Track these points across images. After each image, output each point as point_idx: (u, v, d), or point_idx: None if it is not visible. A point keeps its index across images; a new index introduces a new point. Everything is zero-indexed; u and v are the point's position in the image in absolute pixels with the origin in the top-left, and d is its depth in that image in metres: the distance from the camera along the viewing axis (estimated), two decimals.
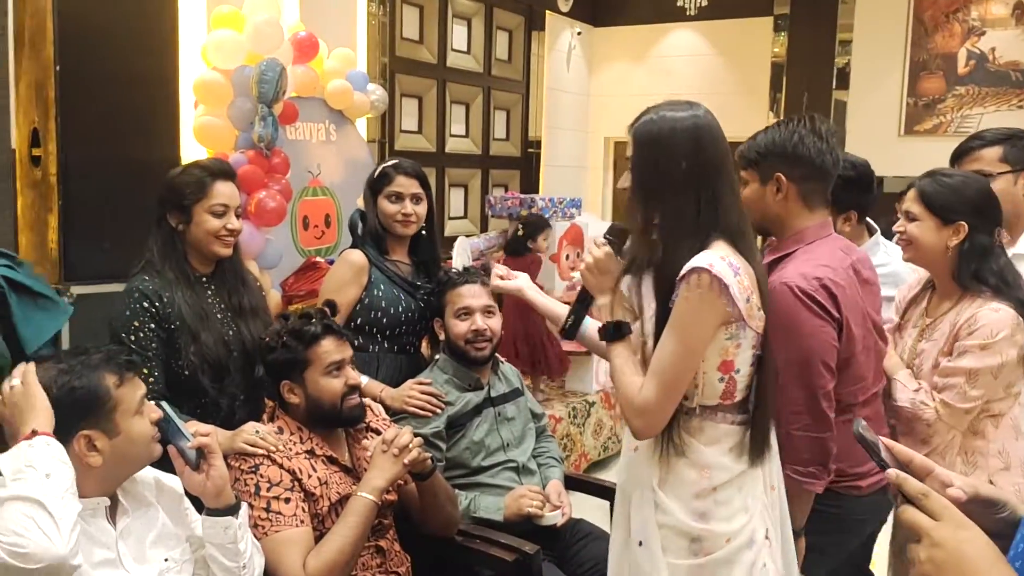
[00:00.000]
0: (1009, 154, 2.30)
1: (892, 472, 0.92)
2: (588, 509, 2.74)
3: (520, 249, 5.16)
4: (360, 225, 2.58)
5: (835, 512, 1.96)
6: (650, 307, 1.69)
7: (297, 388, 2.01)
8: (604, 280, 1.75)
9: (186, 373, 2.07)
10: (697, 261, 1.59)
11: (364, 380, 2.21)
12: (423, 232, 2.57)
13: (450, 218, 6.52)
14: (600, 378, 4.76)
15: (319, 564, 1.81)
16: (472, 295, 2.41)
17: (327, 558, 1.81)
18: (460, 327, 2.41)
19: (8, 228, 3.25)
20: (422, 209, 2.51)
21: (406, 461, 1.93)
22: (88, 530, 1.46)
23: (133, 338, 2.03)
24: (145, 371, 2.02)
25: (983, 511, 0.94)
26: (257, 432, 1.90)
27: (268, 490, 1.86)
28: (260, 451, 1.88)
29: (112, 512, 1.52)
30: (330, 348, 2.01)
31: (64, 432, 1.45)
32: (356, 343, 2.29)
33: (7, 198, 3.24)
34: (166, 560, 1.55)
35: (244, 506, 1.61)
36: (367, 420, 2.15)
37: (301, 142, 4.07)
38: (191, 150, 3.71)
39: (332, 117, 4.25)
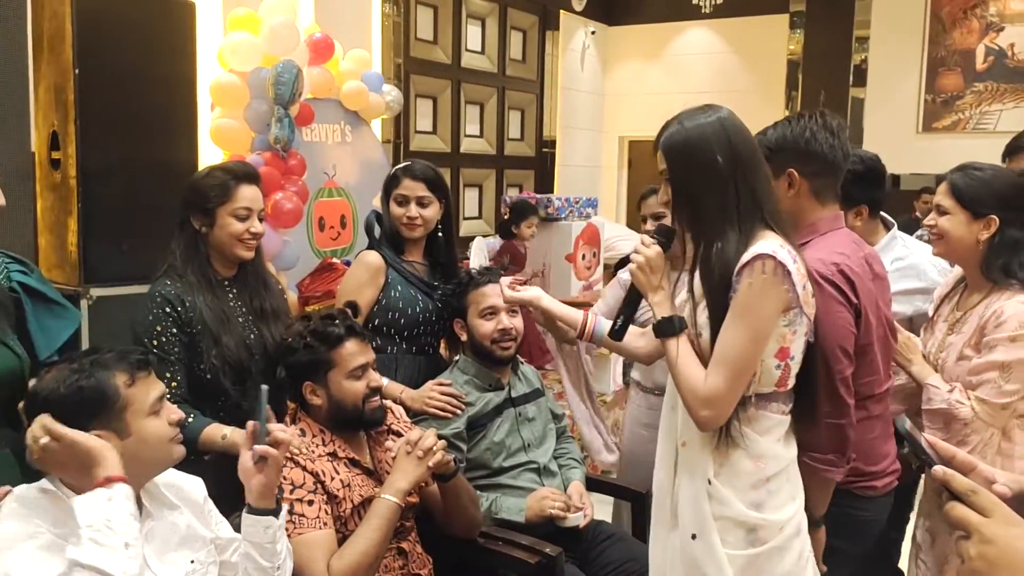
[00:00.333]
0: None
1: (939, 468, 0.92)
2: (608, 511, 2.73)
3: (505, 233, 5.18)
4: (376, 226, 2.57)
5: (855, 514, 1.96)
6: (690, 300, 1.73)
7: (320, 390, 2.01)
8: (654, 278, 1.76)
9: (208, 376, 2.07)
10: (759, 248, 1.62)
11: (384, 382, 2.21)
12: (439, 233, 2.56)
13: (465, 218, 6.52)
14: (617, 378, 4.75)
15: (343, 566, 1.80)
16: (497, 294, 2.40)
17: (350, 560, 1.81)
18: (486, 327, 2.39)
19: (28, 230, 3.27)
20: (429, 212, 2.50)
21: (431, 464, 1.92)
22: None
23: (156, 342, 2.03)
24: (168, 375, 2.02)
25: None
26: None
27: (291, 492, 1.85)
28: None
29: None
30: (354, 350, 2.01)
31: None
32: (375, 344, 2.29)
33: (27, 201, 3.26)
34: (192, 562, 1.54)
35: (284, 508, 1.60)
36: (388, 423, 2.15)
37: (317, 143, 4.08)
38: (208, 152, 3.72)
39: (347, 118, 4.26)
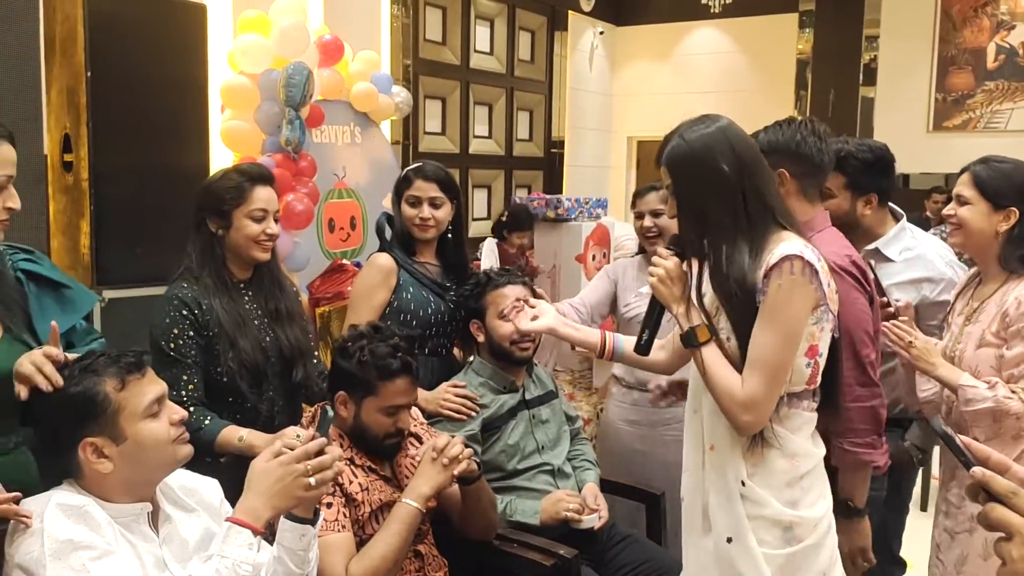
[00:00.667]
0: None
1: (978, 470, 0.91)
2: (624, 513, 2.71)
3: (498, 234, 5.21)
4: (387, 228, 2.57)
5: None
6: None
7: (351, 406, 1.99)
8: (676, 289, 1.76)
9: (224, 379, 2.07)
10: (786, 250, 1.63)
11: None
12: (450, 234, 2.56)
13: (474, 219, 6.52)
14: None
15: (362, 570, 1.80)
16: (517, 296, 2.39)
17: (370, 565, 1.80)
18: (506, 328, 2.38)
19: (41, 233, 3.28)
20: (441, 214, 2.49)
21: (455, 472, 1.91)
22: (136, 534, 1.46)
23: (172, 345, 2.03)
24: (184, 377, 2.02)
25: None
26: (298, 436, 1.88)
27: None
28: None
29: (154, 518, 1.52)
30: (400, 389, 1.97)
31: (67, 440, 1.44)
32: None
33: (40, 203, 3.27)
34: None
35: (321, 516, 1.59)
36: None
37: (327, 145, 4.08)
38: (218, 154, 3.72)
39: (357, 119, 4.26)
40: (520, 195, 6.30)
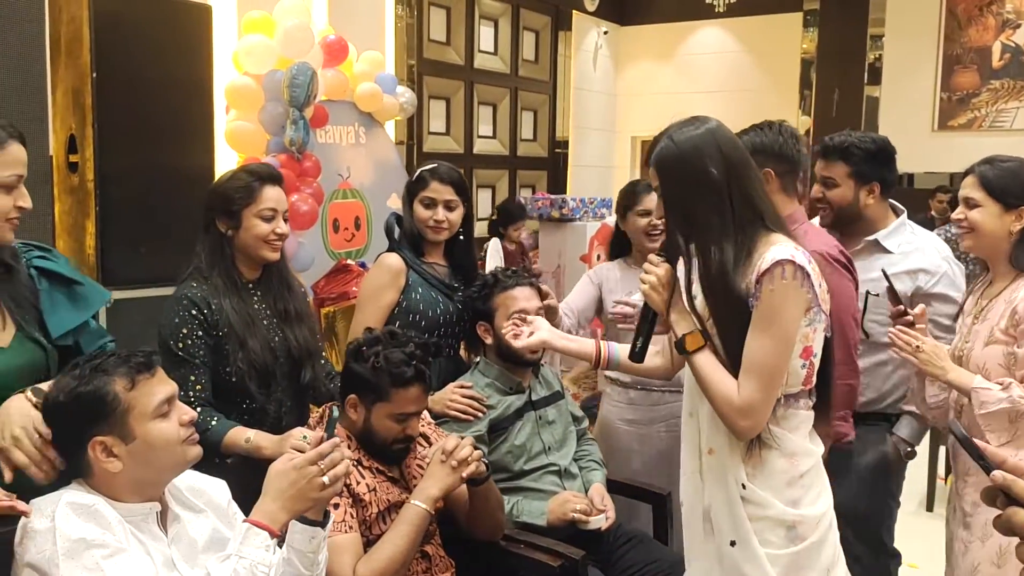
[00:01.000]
0: None
1: (998, 474, 0.91)
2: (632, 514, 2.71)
3: (494, 233, 5.25)
4: (396, 228, 2.56)
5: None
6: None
7: (361, 409, 1.98)
8: (668, 295, 1.76)
9: (233, 379, 2.07)
10: (776, 254, 1.63)
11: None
12: (460, 236, 2.55)
13: (478, 219, 6.52)
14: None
15: (369, 571, 1.79)
16: (526, 297, 2.38)
17: (378, 566, 1.80)
18: None
19: (46, 234, 3.28)
20: (455, 216, 2.49)
21: (464, 475, 1.91)
22: (145, 533, 1.46)
23: (181, 345, 2.03)
24: (192, 378, 2.02)
25: None
26: (304, 437, 1.89)
27: None
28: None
29: (163, 518, 1.52)
30: (412, 397, 1.96)
31: (77, 439, 1.44)
32: None
33: (45, 204, 3.27)
34: None
35: (331, 519, 1.60)
36: None
37: (331, 145, 4.08)
38: (223, 155, 3.73)
39: (362, 120, 4.26)
40: (524, 195, 6.29)
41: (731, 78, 7.71)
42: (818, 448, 1.77)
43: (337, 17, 4.72)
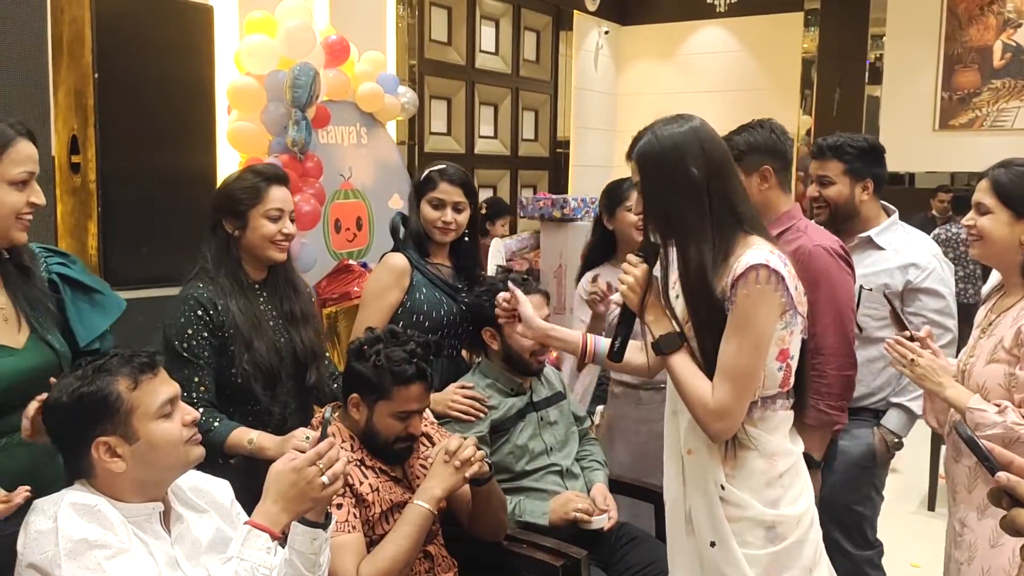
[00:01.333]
0: None
1: (1003, 475, 0.91)
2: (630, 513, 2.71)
3: (483, 230, 5.33)
4: (401, 228, 2.56)
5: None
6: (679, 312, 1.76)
7: (363, 408, 1.98)
8: (646, 296, 1.76)
9: (239, 381, 2.07)
10: (751, 259, 1.63)
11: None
12: (465, 237, 2.55)
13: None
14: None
15: (372, 571, 1.80)
16: (536, 306, 2.37)
17: (381, 566, 1.80)
18: (525, 341, 2.36)
19: (49, 234, 3.28)
20: (463, 218, 2.49)
21: (467, 475, 1.91)
22: (148, 533, 1.46)
23: (186, 345, 2.03)
24: (196, 379, 2.02)
25: None
26: (307, 438, 1.89)
27: None
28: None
29: (166, 518, 1.52)
30: (414, 395, 1.97)
31: (80, 440, 1.44)
32: None
33: (47, 205, 3.26)
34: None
35: (333, 520, 1.60)
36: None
37: (333, 145, 4.08)
38: (225, 155, 3.73)
39: (363, 120, 4.26)
40: (525, 195, 6.30)
41: (732, 78, 7.71)
42: (798, 448, 1.78)
43: (338, 17, 4.72)
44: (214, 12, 3.50)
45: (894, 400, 2.50)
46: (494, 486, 2.06)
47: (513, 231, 6.21)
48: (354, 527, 1.86)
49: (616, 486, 2.55)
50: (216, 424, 1.99)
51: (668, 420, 1.83)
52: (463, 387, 2.38)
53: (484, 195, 6.64)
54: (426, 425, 2.18)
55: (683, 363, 1.71)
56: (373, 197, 4.27)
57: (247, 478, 1.82)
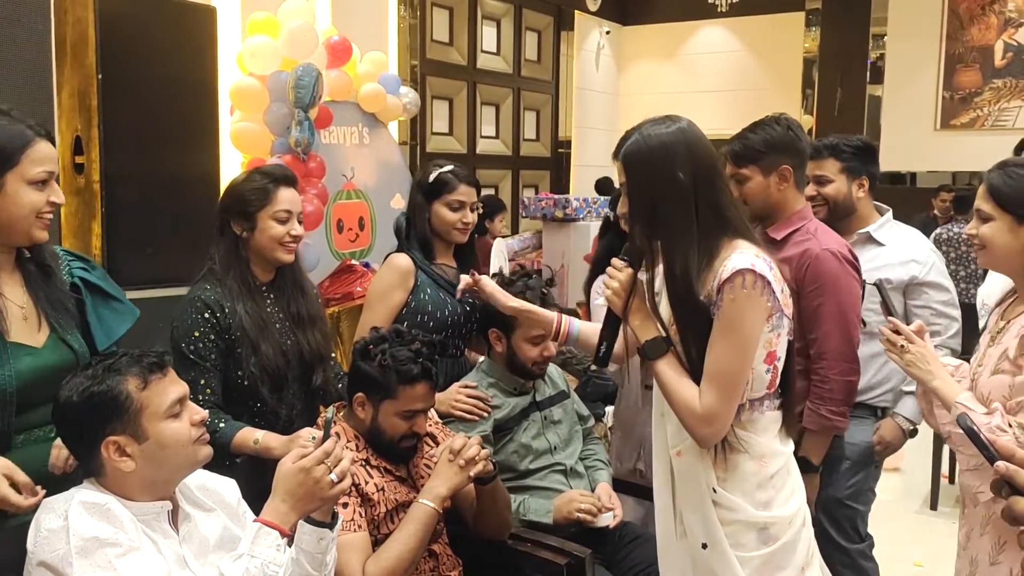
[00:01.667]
0: None
1: (1002, 464, 0.93)
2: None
3: (481, 228, 5.35)
4: (405, 228, 2.57)
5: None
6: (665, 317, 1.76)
7: (369, 408, 1.99)
8: (631, 301, 1.76)
9: (245, 383, 2.08)
10: (737, 263, 1.63)
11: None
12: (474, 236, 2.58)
13: None
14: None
15: (378, 570, 1.81)
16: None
17: (386, 565, 1.81)
18: (533, 352, 2.36)
19: (53, 235, 3.25)
20: (474, 218, 2.53)
21: (471, 474, 1.92)
22: (157, 532, 1.47)
23: (192, 348, 2.04)
24: (203, 381, 2.03)
25: None
26: (313, 438, 1.90)
27: None
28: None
29: (174, 517, 1.53)
30: (419, 394, 1.97)
31: (90, 439, 1.45)
32: None
33: None
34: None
35: (340, 520, 1.61)
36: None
37: (335, 146, 4.09)
38: (228, 156, 3.73)
39: (365, 120, 4.26)
40: (527, 195, 6.30)
41: (733, 78, 7.71)
42: (787, 448, 1.77)
43: (340, 18, 4.73)
44: (217, 13, 3.50)
45: (907, 389, 2.52)
46: (498, 485, 2.07)
47: (515, 231, 6.23)
48: (360, 526, 1.87)
49: (620, 486, 2.55)
50: (222, 425, 2.00)
51: (656, 422, 1.82)
52: (466, 386, 2.38)
53: (486, 195, 6.66)
54: (430, 425, 2.18)
55: (670, 368, 1.70)
56: (375, 197, 4.28)
57: (253, 477, 1.83)
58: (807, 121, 7.51)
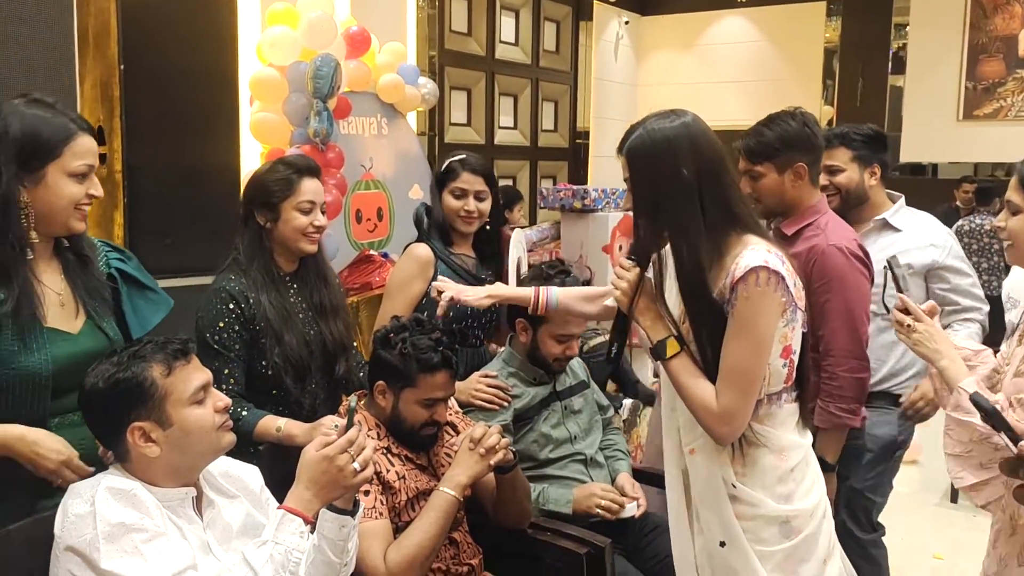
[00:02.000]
0: None
1: None
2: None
3: (502, 219, 5.36)
4: (425, 219, 2.57)
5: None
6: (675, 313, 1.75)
7: (390, 396, 2.00)
8: (640, 301, 1.75)
9: (269, 373, 2.09)
10: (749, 260, 1.62)
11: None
12: (487, 226, 2.56)
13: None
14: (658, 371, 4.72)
15: (399, 558, 1.82)
16: (578, 324, 2.39)
17: (407, 552, 1.82)
18: (557, 348, 2.37)
19: None
20: (485, 206, 2.51)
21: (492, 462, 1.93)
22: (182, 518, 1.49)
23: (217, 338, 2.05)
24: (226, 371, 2.05)
25: None
26: (335, 427, 1.91)
27: None
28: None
29: (198, 503, 1.54)
30: (439, 383, 1.98)
31: (116, 425, 1.47)
32: None
33: None
34: None
35: (361, 508, 1.62)
36: None
37: (354, 136, 4.10)
38: (248, 146, 3.75)
39: (384, 111, 4.27)
40: (546, 186, 6.30)
41: (753, 68, 7.66)
42: (806, 440, 1.77)
43: (359, 8, 4.73)
44: (237, 3, 3.52)
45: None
46: (518, 474, 2.08)
47: (533, 221, 6.22)
48: (381, 514, 1.88)
49: (640, 476, 2.54)
50: (244, 413, 2.02)
51: (667, 417, 1.81)
52: (487, 376, 2.39)
53: (502, 186, 6.66)
54: (451, 415, 2.19)
55: (684, 367, 1.69)
56: (394, 187, 4.29)
57: (275, 465, 1.85)
58: (827, 112, 7.44)
